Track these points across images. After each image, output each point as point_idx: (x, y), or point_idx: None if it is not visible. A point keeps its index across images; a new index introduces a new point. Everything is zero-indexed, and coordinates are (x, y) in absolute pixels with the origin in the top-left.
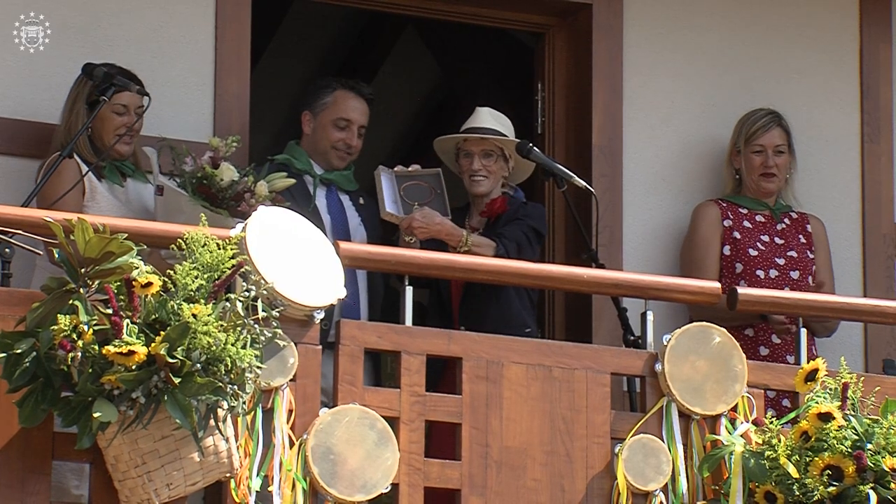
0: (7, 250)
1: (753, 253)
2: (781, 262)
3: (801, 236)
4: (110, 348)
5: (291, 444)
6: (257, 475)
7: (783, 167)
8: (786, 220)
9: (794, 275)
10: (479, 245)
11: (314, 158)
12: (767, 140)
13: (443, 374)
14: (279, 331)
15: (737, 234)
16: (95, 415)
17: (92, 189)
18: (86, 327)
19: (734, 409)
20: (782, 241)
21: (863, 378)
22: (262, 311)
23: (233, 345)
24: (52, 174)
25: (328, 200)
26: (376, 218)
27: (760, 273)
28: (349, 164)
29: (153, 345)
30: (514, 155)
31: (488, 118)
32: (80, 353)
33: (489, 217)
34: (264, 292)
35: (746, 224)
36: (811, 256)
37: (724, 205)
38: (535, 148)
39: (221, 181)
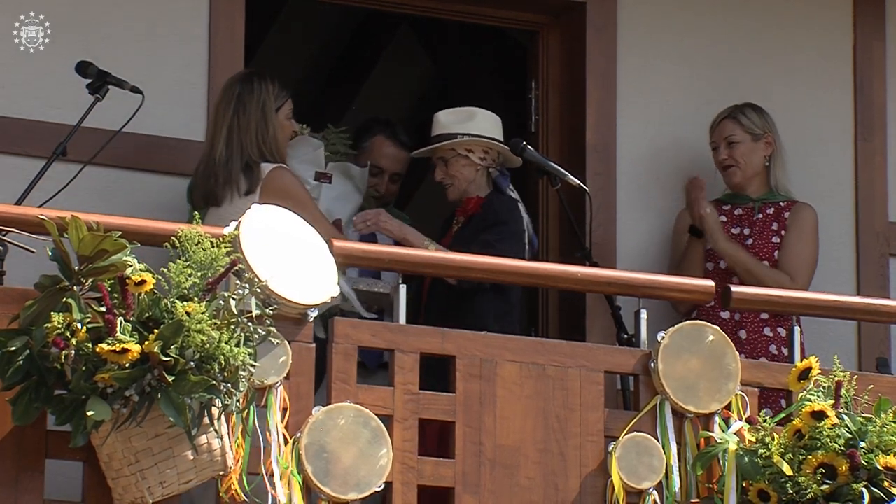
0: (0, 248)
1: (708, 246)
2: None
3: (774, 223)
4: (104, 346)
5: (285, 443)
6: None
7: (741, 157)
8: (768, 211)
9: None
10: None
11: None
12: (717, 134)
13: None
14: (273, 329)
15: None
16: (89, 413)
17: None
18: (79, 325)
19: (728, 407)
20: (749, 231)
21: (856, 376)
22: (256, 309)
23: (226, 343)
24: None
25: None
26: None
27: (710, 265)
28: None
29: (147, 343)
30: (476, 149)
31: (438, 124)
32: (73, 351)
33: (465, 217)
34: (258, 290)
35: (722, 219)
36: (776, 241)
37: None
38: (528, 146)
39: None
